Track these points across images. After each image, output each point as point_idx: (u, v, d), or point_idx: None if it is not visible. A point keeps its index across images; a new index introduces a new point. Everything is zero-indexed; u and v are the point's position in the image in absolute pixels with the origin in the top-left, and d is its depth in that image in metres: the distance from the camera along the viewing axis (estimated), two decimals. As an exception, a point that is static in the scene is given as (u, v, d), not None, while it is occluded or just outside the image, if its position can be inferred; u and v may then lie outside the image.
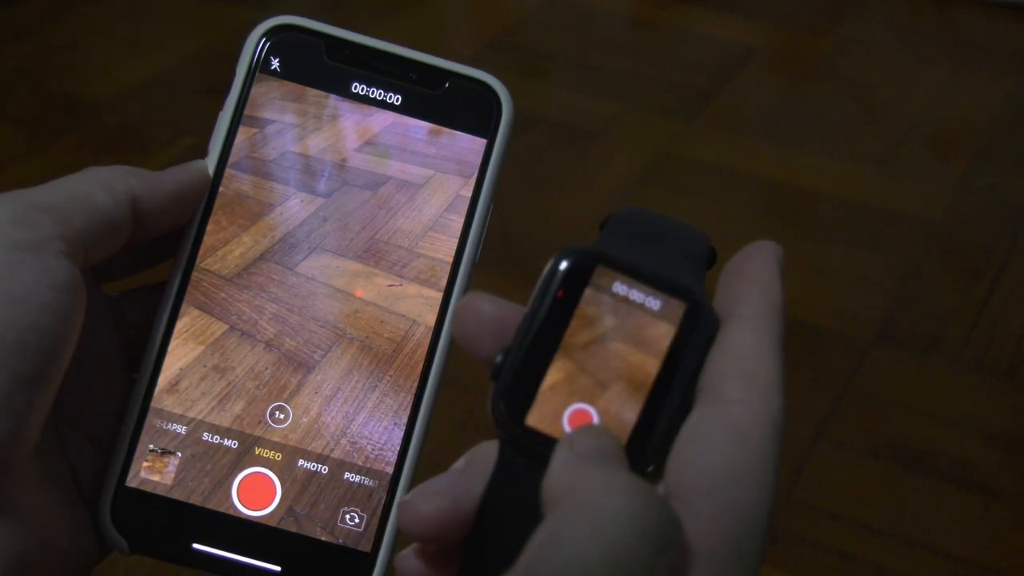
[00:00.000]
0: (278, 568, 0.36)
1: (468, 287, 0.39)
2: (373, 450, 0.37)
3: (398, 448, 0.37)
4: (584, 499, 0.25)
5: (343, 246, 0.38)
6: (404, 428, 0.37)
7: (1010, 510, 0.97)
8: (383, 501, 0.36)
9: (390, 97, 0.39)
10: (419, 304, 0.38)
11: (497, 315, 0.31)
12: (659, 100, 1.53)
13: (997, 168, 1.41)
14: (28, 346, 0.31)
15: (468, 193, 0.39)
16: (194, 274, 0.38)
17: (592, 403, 0.29)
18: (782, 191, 1.37)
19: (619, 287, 0.30)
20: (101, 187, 0.35)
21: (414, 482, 0.37)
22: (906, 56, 1.66)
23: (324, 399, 0.37)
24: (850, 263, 1.24)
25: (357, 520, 0.36)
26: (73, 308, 0.33)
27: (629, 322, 0.30)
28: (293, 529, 0.36)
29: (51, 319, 0.32)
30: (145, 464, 0.36)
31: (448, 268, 0.38)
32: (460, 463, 0.30)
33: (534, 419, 0.29)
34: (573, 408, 0.29)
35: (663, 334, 0.29)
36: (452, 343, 0.37)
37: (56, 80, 1.52)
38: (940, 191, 1.37)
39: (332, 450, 0.37)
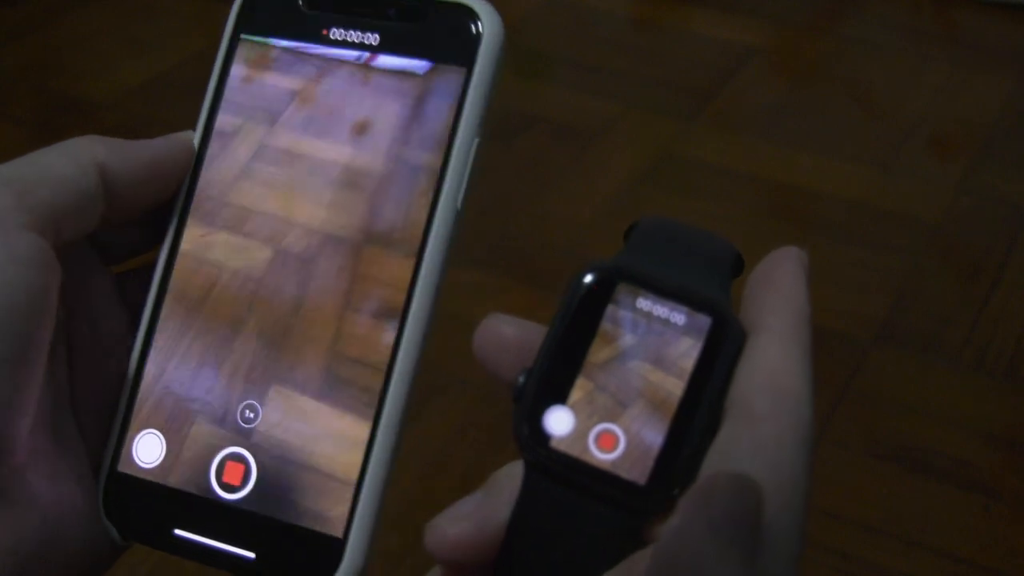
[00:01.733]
0: (252, 555, 0.36)
1: (453, 242, 0.36)
2: (338, 439, 0.36)
3: (367, 435, 0.36)
4: None
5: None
6: (373, 410, 0.36)
7: (1010, 510, 0.97)
8: (353, 486, 0.36)
9: (368, 38, 0.37)
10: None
11: (519, 336, 0.30)
12: (659, 100, 1.53)
13: (997, 168, 1.41)
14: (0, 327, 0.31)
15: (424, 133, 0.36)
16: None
17: (618, 423, 0.29)
18: (782, 191, 1.37)
19: (642, 302, 0.29)
20: (66, 157, 0.34)
21: (383, 469, 0.36)
22: (906, 56, 1.66)
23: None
24: (850, 263, 1.24)
25: (328, 505, 0.36)
26: (43, 283, 0.32)
27: (653, 338, 0.29)
28: (267, 513, 0.36)
29: (20, 296, 0.31)
30: (130, 449, 0.36)
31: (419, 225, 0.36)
32: (487, 484, 0.30)
33: (559, 441, 0.29)
34: (599, 429, 0.29)
35: (689, 349, 0.29)
36: (424, 321, 0.35)
37: (56, 80, 1.52)
38: (940, 191, 1.37)
39: (303, 435, 0.36)
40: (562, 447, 0.29)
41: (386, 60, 0.37)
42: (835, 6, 1.81)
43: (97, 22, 1.66)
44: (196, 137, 0.38)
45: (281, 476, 0.36)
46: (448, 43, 0.37)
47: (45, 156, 0.34)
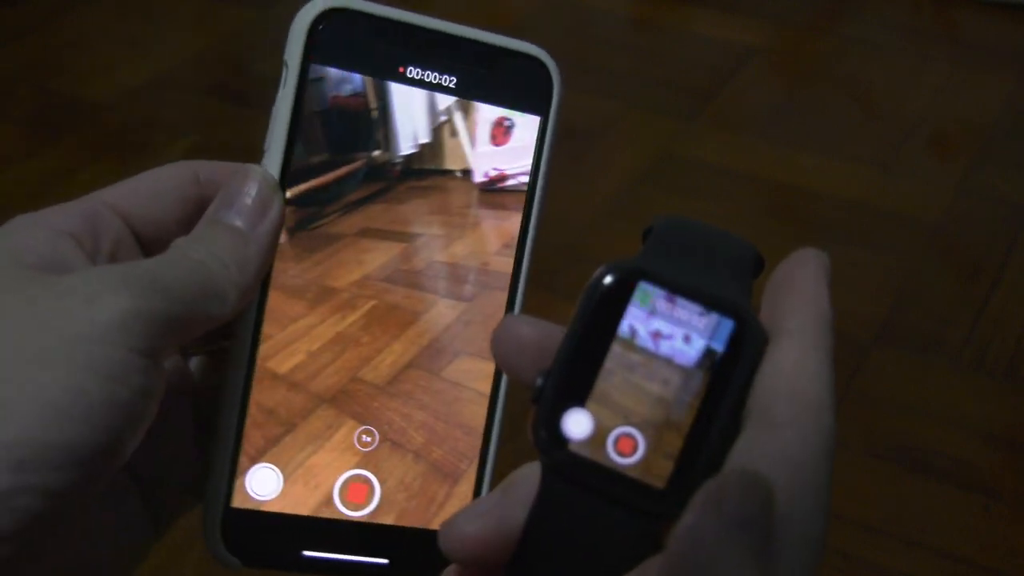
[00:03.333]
0: (386, 561, 0.37)
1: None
2: (458, 448, 0.38)
3: (479, 445, 0.38)
4: None
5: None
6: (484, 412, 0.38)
7: (1010, 510, 0.97)
8: (472, 488, 0.38)
9: (445, 80, 0.38)
10: None
11: (537, 337, 0.30)
12: (659, 100, 1.53)
13: (997, 168, 1.41)
14: (117, 452, 0.30)
15: None
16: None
17: (637, 426, 0.28)
18: (782, 191, 1.37)
19: (662, 304, 0.29)
20: (217, 296, 0.33)
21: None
22: (906, 56, 1.66)
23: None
24: (850, 263, 1.24)
25: (453, 508, 0.38)
26: (154, 409, 0.31)
27: (674, 340, 0.29)
28: (395, 522, 0.37)
29: (139, 428, 0.31)
30: (248, 482, 0.36)
31: None
32: (504, 484, 0.30)
33: (577, 444, 0.28)
34: (618, 432, 0.28)
35: (709, 352, 0.28)
36: None
37: (56, 80, 1.52)
38: (940, 191, 1.37)
39: (425, 446, 0.38)
40: (580, 450, 0.28)
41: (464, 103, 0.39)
42: (835, 6, 1.81)
43: (97, 22, 1.66)
44: (275, 169, 0.37)
45: (406, 489, 0.37)
46: (523, 92, 0.39)
47: (202, 279, 0.33)
